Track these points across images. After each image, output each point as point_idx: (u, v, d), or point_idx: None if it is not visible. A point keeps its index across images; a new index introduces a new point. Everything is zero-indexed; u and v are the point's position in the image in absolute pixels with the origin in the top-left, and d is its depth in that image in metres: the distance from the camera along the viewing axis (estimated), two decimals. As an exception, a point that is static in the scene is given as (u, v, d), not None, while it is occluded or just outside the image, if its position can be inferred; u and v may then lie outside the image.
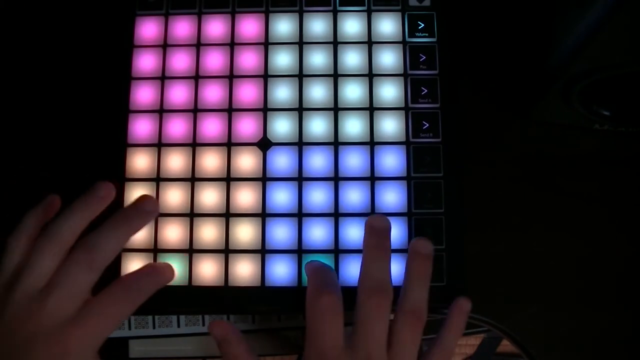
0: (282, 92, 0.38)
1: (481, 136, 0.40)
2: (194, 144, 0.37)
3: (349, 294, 0.32)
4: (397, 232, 0.36)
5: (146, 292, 0.33)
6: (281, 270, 0.36)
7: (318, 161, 0.37)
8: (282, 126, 0.37)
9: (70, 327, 0.30)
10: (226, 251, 0.36)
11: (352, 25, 0.38)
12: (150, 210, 0.35)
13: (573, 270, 0.39)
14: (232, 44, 0.38)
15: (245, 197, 0.36)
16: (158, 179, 0.37)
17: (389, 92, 0.37)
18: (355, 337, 0.31)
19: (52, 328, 0.30)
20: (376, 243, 0.33)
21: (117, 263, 0.36)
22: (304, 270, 0.35)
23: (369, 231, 0.34)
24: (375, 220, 0.34)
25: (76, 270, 0.31)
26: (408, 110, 0.37)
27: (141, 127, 0.38)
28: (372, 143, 0.37)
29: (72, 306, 0.31)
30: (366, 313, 0.31)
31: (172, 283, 0.36)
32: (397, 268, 0.35)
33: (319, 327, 0.31)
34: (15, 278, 0.31)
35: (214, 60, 0.38)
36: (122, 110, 0.38)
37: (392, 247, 0.34)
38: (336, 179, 0.36)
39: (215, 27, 0.39)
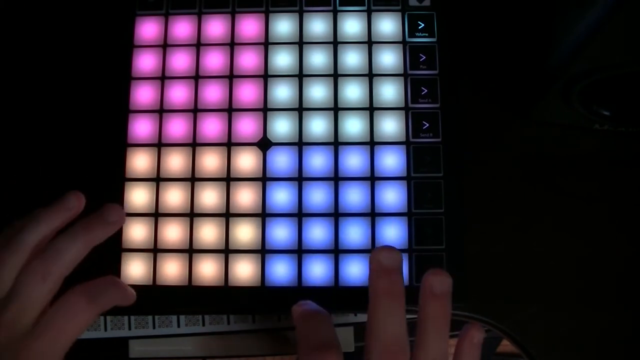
0: (282, 92, 0.38)
1: (481, 136, 0.40)
2: (194, 144, 0.37)
3: (349, 294, 0.32)
4: (397, 232, 0.36)
5: (106, 304, 0.32)
6: (281, 270, 0.36)
7: (318, 161, 0.37)
8: (282, 126, 0.37)
9: (27, 340, 0.29)
10: (226, 251, 0.36)
11: (352, 25, 0.38)
12: (113, 221, 0.34)
13: (573, 270, 0.39)
14: (232, 44, 0.38)
15: (245, 197, 0.36)
16: (158, 179, 0.37)
17: (389, 92, 0.37)
18: None
19: (10, 342, 0.29)
20: (388, 288, 0.28)
21: (116, 263, 0.36)
22: (292, 314, 0.31)
23: (377, 271, 0.28)
24: (383, 255, 0.28)
25: (31, 281, 0.30)
26: (408, 110, 0.37)
27: (141, 127, 0.38)
28: (372, 143, 0.37)
29: (29, 318, 0.30)
30: None
31: (172, 283, 0.36)
32: (397, 268, 0.35)
33: None
34: None
35: (214, 60, 0.38)
36: (122, 110, 0.38)
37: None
38: (336, 179, 0.36)
39: (215, 27, 0.39)
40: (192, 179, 0.37)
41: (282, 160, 0.37)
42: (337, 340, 0.28)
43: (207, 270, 0.36)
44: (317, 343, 0.28)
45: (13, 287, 0.30)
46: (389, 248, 0.29)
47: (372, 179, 0.36)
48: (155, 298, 0.35)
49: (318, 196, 0.36)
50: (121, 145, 0.37)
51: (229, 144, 0.37)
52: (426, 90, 0.37)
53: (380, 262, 0.28)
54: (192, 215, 0.36)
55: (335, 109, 0.37)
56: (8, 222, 0.33)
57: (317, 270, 0.35)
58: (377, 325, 0.28)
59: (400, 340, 0.27)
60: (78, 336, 0.30)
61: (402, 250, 0.35)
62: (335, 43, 0.38)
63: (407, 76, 0.38)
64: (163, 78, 0.38)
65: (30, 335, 0.29)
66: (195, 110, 0.38)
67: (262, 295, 0.35)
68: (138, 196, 0.37)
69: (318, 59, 0.38)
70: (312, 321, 0.29)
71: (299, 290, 0.35)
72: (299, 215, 0.36)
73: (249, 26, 0.39)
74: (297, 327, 0.30)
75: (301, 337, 0.29)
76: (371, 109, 0.37)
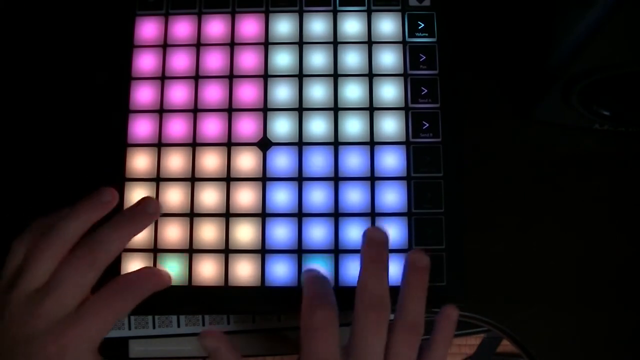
0: (282, 92, 0.38)
1: (481, 136, 0.40)
2: (194, 144, 0.37)
3: (349, 294, 0.32)
4: (397, 232, 0.36)
5: (143, 294, 0.33)
6: (281, 270, 0.36)
7: (318, 161, 0.37)
8: (282, 126, 0.37)
9: (67, 325, 0.30)
10: (226, 251, 0.36)
11: (352, 25, 0.38)
12: (152, 212, 0.36)
13: (573, 270, 0.39)
14: (232, 44, 0.38)
15: (245, 197, 0.36)
16: (158, 179, 0.37)
17: (389, 92, 0.37)
18: (353, 351, 0.31)
19: (50, 327, 0.30)
20: (375, 256, 0.33)
21: (117, 263, 0.36)
22: (302, 278, 0.35)
23: (368, 243, 0.33)
24: (374, 232, 0.33)
25: (77, 268, 0.31)
26: (408, 110, 0.37)
27: (141, 127, 0.38)
28: (372, 143, 0.37)
29: (71, 304, 0.31)
30: (364, 327, 0.31)
31: (172, 283, 0.36)
32: (396, 268, 0.35)
33: (313, 342, 0.31)
34: (15, 279, 0.31)
35: (214, 60, 0.38)
36: (122, 110, 0.38)
37: (392, 248, 0.34)
38: (336, 179, 0.36)
39: (215, 27, 0.39)
40: (192, 179, 0.37)
41: (282, 160, 0.37)
42: (332, 298, 0.32)
43: (207, 270, 0.36)
44: (314, 297, 0.32)
45: (55, 276, 0.31)
46: (379, 227, 0.34)
47: (372, 179, 0.36)
48: (156, 298, 0.35)
49: (318, 196, 0.36)
50: (121, 145, 0.37)
51: (229, 144, 0.37)
52: (426, 90, 0.37)
53: (372, 237, 0.33)
54: (192, 215, 0.36)
55: (335, 109, 0.37)
56: (8, 222, 0.33)
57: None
58: (363, 286, 0.32)
59: (382, 299, 0.31)
60: (113, 324, 0.32)
61: (402, 250, 0.35)
62: (335, 43, 0.38)
63: (407, 76, 0.38)
64: (163, 78, 0.38)
65: (70, 322, 0.30)
66: (195, 110, 0.38)
67: (262, 295, 0.35)
68: (138, 196, 0.37)
69: (318, 59, 0.38)
70: (314, 281, 0.34)
71: (299, 290, 0.35)
72: (299, 215, 0.36)
73: (249, 26, 0.39)
74: (303, 288, 0.34)
75: (304, 296, 0.33)
76: (371, 109, 0.37)
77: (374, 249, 0.33)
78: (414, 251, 0.34)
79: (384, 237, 0.33)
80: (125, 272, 0.34)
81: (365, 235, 0.33)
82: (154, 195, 0.37)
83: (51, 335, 0.30)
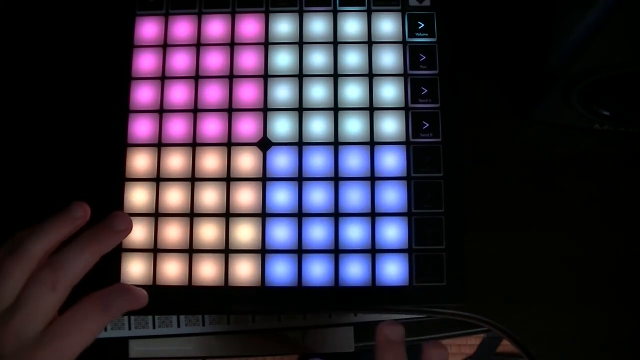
0: (282, 92, 0.38)
1: (481, 136, 0.40)
2: (194, 144, 0.37)
3: (349, 294, 0.32)
4: (397, 232, 0.36)
5: (115, 313, 0.32)
6: (281, 270, 0.36)
7: (318, 161, 0.37)
8: (282, 126, 0.37)
9: (34, 348, 0.29)
10: (226, 251, 0.36)
11: (352, 25, 0.38)
12: (121, 229, 0.34)
13: (573, 270, 0.39)
14: (232, 44, 0.38)
15: (245, 197, 0.36)
16: (158, 179, 0.37)
17: (389, 92, 0.37)
18: None
19: (17, 350, 0.29)
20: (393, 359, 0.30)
21: (116, 263, 0.36)
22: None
23: (384, 344, 0.31)
24: (390, 330, 0.31)
25: (40, 291, 0.30)
26: (408, 110, 0.37)
27: (141, 127, 0.38)
28: (372, 143, 0.37)
29: (37, 327, 0.29)
30: None
31: (172, 283, 0.36)
32: (397, 268, 0.35)
33: None
34: None
35: (214, 60, 0.38)
36: (122, 110, 0.38)
37: (392, 248, 0.34)
38: (336, 179, 0.36)
39: (215, 27, 0.39)
40: (192, 179, 0.37)
41: (282, 160, 0.37)
42: None
43: (207, 270, 0.36)
44: None
45: (20, 296, 0.30)
46: (394, 323, 0.31)
47: (372, 179, 0.36)
48: (156, 298, 0.35)
49: (318, 196, 0.36)
50: (121, 145, 0.37)
51: (229, 144, 0.37)
52: (426, 90, 0.37)
53: (387, 336, 0.31)
54: (192, 215, 0.36)
55: (335, 109, 0.37)
56: (7, 222, 0.33)
57: (317, 270, 0.35)
58: None
59: None
60: (87, 345, 0.30)
61: (402, 250, 0.35)
62: (335, 43, 0.38)
63: (407, 76, 0.38)
64: (163, 78, 0.38)
65: (38, 344, 0.29)
66: (195, 110, 0.38)
67: (262, 295, 0.35)
68: (138, 196, 0.37)
69: (318, 59, 0.38)
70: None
71: (299, 290, 0.35)
72: (299, 215, 0.36)
73: (249, 26, 0.39)
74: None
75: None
76: (371, 109, 0.37)
77: (391, 352, 0.30)
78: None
79: (401, 335, 0.31)
80: (99, 290, 0.32)
81: (379, 334, 0.31)
82: (154, 196, 0.37)
83: (18, 358, 0.28)
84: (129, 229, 0.34)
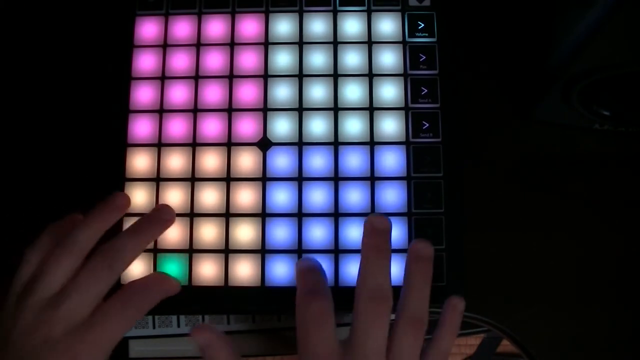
0: (282, 92, 0.38)
1: (481, 136, 0.40)
2: (194, 144, 0.37)
3: (349, 294, 0.32)
4: (397, 232, 0.36)
5: (154, 300, 0.33)
6: (281, 270, 0.36)
7: (318, 161, 0.37)
8: (282, 126, 0.37)
9: (81, 332, 0.30)
10: (226, 251, 0.36)
11: (352, 25, 0.38)
12: (168, 219, 0.36)
13: (573, 270, 0.39)
14: (232, 44, 0.38)
15: (245, 197, 0.36)
16: (158, 179, 0.37)
17: (389, 92, 0.37)
18: (354, 343, 0.30)
19: (63, 334, 0.30)
20: (376, 244, 0.32)
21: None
22: (295, 269, 0.35)
23: (369, 231, 0.32)
24: (376, 220, 0.32)
25: (95, 276, 0.31)
26: (408, 110, 0.37)
27: (141, 127, 0.38)
28: (372, 143, 0.37)
29: (85, 312, 0.31)
30: (365, 319, 0.30)
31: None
32: (397, 269, 0.35)
33: (310, 335, 0.30)
34: (30, 287, 0.31)
35: (214, 60, 0.38)
36: (122, 110, 0.38)
37: (392, 248, 0.34)
38: (336, 179, 0.36)
39: (215, 27, 0.39)
40: (192, 179, 0.37)
41: (282, 161, 0.37)
42: (327, 289, 0.32)
43: (207, 270, 0.36)
44: (309, 289, 0.32)
45: (72, 282, 0.31)
46: (381, 215, 0.33)
47: (372, 179, 0.36)
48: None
49: (318, 196, 0.36)
50: (121, 145, 0.37)
51: (229, 144, 0.37)
52: (426, 90, 0.37)
53: (373, 225, 0.32)
54: (192, 215, 0.36)
55: (335, 109, 0.37)
56: (7, 222, 0.33)
57: (317, 270, 0.35)
58: (365, 276, 0.31)
59: (384, 289, 0.31)
60: (128, 329, 0.32)
61: (403, 250, 0.35)
62: (335, 43, 0.38)
63: (407, 76, 0.38)
64: (163, 78, 0.38)
65: (85, 328, 0.30)
66: (195, 110, 0.38)
67: (262, 295, 0.35)
68: (138, 196, 0.37)
69: (318, 59, 0.38)
70: (307, 271, 0.33)
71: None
72: (299, 215, 0.36)
73: (249, 26, 0.39)
74: (296, 279, 0.34)
75: (297, 287, 0.33)
76: (371, 109, 0.37)
77: (376, 237, 0.32)
78: (417, 240, 0.33)
79: (387, 224, 0.32)
80: (134, 279, 0.34)
81: (366, 223, 0.33)
82: (154, 196, 0.37)
83: (65, 342, 0.30)
84: (173, 219, 0.36)
